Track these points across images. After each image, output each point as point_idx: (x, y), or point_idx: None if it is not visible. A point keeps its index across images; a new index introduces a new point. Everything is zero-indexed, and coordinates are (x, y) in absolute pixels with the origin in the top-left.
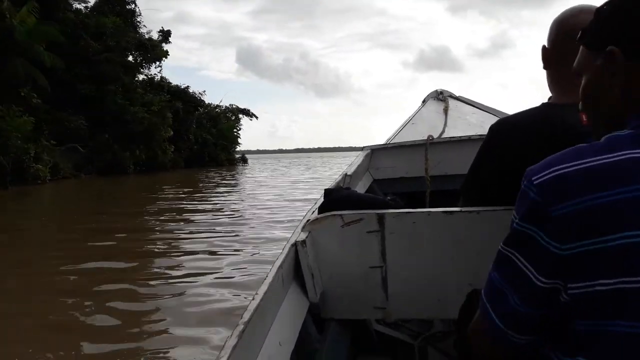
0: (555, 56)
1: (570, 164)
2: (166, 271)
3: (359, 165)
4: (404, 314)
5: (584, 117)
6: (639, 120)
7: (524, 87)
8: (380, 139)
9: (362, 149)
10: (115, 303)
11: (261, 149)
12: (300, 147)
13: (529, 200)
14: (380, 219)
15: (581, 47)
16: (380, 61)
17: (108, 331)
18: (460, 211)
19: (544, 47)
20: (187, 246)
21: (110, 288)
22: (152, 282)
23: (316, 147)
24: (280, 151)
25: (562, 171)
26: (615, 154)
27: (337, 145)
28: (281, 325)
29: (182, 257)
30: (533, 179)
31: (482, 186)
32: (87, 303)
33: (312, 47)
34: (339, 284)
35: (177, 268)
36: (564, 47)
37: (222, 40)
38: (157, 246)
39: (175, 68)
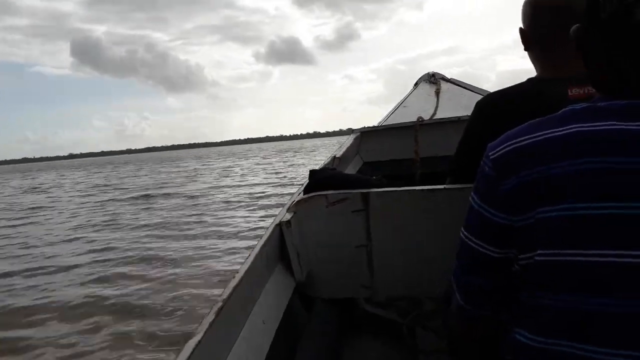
0: (533, 37)
1: (523, 137)
2: None
3: (348, 148)
4: (390, 292)
5: (571, 92)
6: (601, 94)
7: (367, 77)
8: (239, 134)
9: (219, 144)
10: None
11: (106, 150)
12: (152, 145)
13: (485, 175)
14: (365, 198)
15: None
16: (232, 53)
17: None
18: (444, 189)
19: (521, 29)
20: None
21: None
22: None
23: (170, 144)
24: (129, 151)
25: (514, 145)
26: (564, 128)
27: (192, 142)
28: (265, 304)
29: None
30: (490, 153)
31: (470, 163)
32: None
33: (159, 39)
34: (325, 263)
35: None
36: (538, 26)
37: (53, 32)
38: None
39: None
